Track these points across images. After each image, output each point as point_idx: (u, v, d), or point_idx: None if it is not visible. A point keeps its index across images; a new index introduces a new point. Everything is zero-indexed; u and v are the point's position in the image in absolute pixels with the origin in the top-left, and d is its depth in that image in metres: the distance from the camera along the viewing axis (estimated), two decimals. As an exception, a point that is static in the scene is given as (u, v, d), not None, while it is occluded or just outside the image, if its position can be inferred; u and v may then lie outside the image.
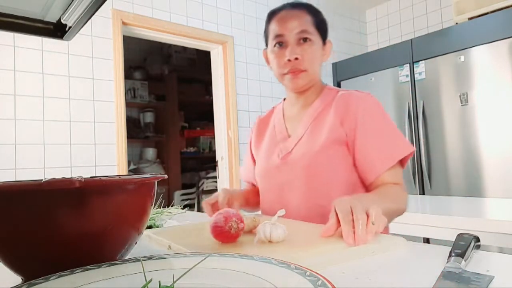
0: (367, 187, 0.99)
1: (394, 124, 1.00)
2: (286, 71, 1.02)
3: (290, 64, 1.01)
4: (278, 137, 1.11)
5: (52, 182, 0.45)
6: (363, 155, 0.96)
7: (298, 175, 1.00)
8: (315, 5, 1.11)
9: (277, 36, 1.03)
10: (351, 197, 0.75)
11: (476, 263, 0.55)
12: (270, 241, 0.66)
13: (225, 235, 0.66)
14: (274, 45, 1.04)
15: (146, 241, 0.81)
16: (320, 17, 1.07)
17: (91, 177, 0.49)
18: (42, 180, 0.45)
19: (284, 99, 1.19)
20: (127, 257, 0.53)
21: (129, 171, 3.96)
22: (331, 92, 1.07)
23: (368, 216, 0.64)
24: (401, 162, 0.98)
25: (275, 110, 1.22)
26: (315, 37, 1.03)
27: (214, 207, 1.00)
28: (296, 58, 1.00)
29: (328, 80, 3.87)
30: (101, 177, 0.51)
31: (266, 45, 1.10)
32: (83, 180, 0.46)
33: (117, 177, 0.53)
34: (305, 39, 1.01)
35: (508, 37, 2.46)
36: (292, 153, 1.03)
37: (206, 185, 4.54)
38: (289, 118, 1.12)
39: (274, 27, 1.04)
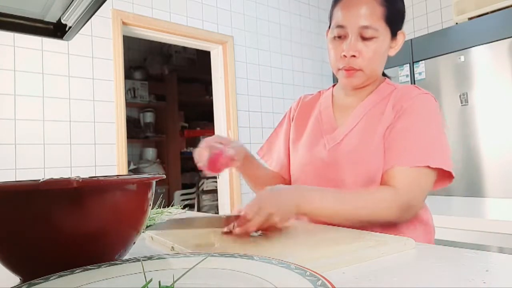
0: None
1: (443, 134, 0.88)
2: (341, 66, 0.93)
3: (345, 60, 0.91)
4: (325, 126, 1.00)
5: (50, 182, 0.45)
6: (390, 144, 0.88)
7: (348, 169, 0.91)
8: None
9: (338, 26, 0.91)
10: (281, 191, 0.79)
11: (476, 263, 0.55)
12: (263, 233, 0.72)
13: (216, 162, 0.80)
14: (334, 36, 0.93)
15: (148, 242, 0.81)
16: (395, 6, 0.92)
17: (90, 177, 0.49)
18: (40, 180, 0.45)
19: (334, 85, 1.09)
20: (127, 257, 0.53)
21: (129, 171, 3.96)
22: (390, 87, 0.98)
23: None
24: (440, 179, 0.87)
25: (321, 96, 1.10)
26: (382, 32, 0.90)
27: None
28: (354, 56, 0.90)
29: (329, 80, 3.87)
30: (99, 177, 0.51)
31: (329, 27, 0.99)
32: (80, 180, 0.46)
33: (115, 177, 0.53)
34: (369, 36, 0.89)
35: (508, 37, 2.46)
36: (342, 145, 0.93)
37: (206, 185, 4.54)
38: (340, 107, 1.02)
39: (337, 14, 0.92)
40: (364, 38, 0.89)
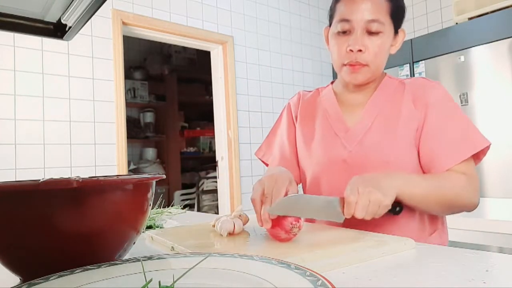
0: None
1: (466, 116, 0.90)
2: (346, 62, 0.91)
3: (351, 55, 0.89)
4: (335, 125, 0.98)
5: (50, 182, 0.45)
6: (430, 147, 0.88)
7: (373, 168, 0.89)
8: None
9: (343, 20, 0.89)
10: (376, 175, 0.77)
11: (476, 263, 0.55)
12: (231, 234, 0.74)
13: (285, 239, 0.68)
14: (338, 31, 0.91)
15: (148, 242, 0.81)
16: (399, 3, 0.92)
17: (90, 177, 0.49)
18: (40, 180, 0.45)
19: (332, 82, 1.08)
20: (127, 257, 0.53)
21: (129, 171, 3.96)
22: (393, 81, 0.98)
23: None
24: (475, 156, 0.89)
25: (321, 93, 1.08)
26: (387, 27, 0.90)
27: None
28: (360, 50, 0.88)
29: (329, 80, 3.87)
30: (99, 177, 0.51)
31: (330, 24, 0.97)
32: (80, 180, 0.46)
33: (115, 177, 0.53)
34: (375, 30, 0.88)
35: (508, 37, 2.46)
36: (364, 145, 0.92)
37: (206, 185, 4.54)
38: (346, 105, 1.00)
39: (342, 8, 0.91)
40: (370, 33, 0.89)
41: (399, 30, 0.95)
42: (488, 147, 0.87)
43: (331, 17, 0.97)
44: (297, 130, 1.08)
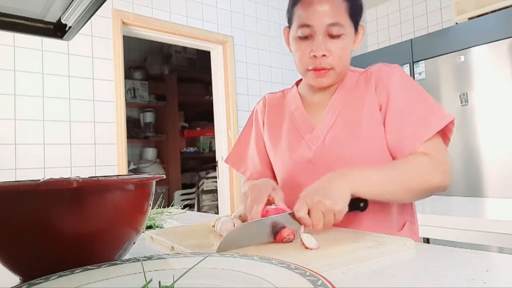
0: None
1: (428, 95, 0.88)
2: (310, 67, 0.90)
3: (315, 61, 0.88)
4: (301, 127, 0.97)
5: (50, 182, 0.45)
6: (394, 130, 0.86)
7: (338, 164, 0.86)
8: None
9: (303, 25, 0.88)
10: (325, 181, 0.76)
11: (476, 263, 0.55)
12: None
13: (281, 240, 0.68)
14: (299, 36, 0.90)
15: (148, 242, 0.81)
16: (357, 1, 0.91)
17: (90, 177, 0.49)
18: (40, 180, 0.45)
19: (297, 83, 1.07)
20: (127, 257, 0.53)
21: (129, 171, 3.96)
22: (354, 74, 0.96)
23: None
24: (443, 136, 0.87)
25: (287, 95, 1.07)
26: (348, 28, 0.88)
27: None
28: (324, 55, 0.87)
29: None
30: (99, 177, 0.51)
31: (289, 26, 0.95)
32: (80, 180, 0.46)
33: (115, 177, 0.53)
34: (336, 34, 0.87)
35: (508, 37, 2.46)
36: (327, 142, 0.91)
37: (206, 185, 4.54)
38: (310, 106, 0.99)
39: (300, 13, 0.89)
40: (332, 36, 0.87)
41: (359, 27, 0.94)
42: (452, 124, 0.85)
43: (289, 20, 0.95)
44: (265, 135, 1.07)
